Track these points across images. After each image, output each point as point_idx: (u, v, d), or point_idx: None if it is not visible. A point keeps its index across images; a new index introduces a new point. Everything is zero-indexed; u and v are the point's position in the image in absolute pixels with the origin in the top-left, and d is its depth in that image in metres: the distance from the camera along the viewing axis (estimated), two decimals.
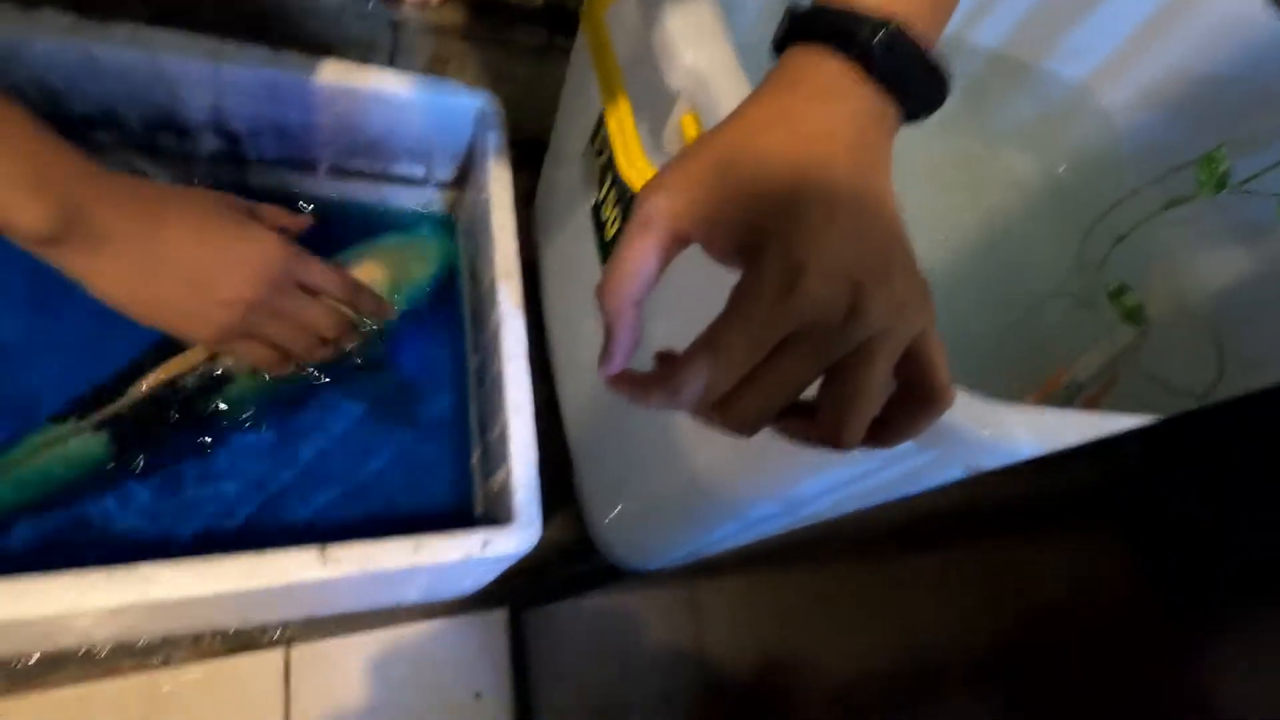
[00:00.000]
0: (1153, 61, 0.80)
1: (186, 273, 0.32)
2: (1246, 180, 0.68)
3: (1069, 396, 0.70)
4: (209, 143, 0.46)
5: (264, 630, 0.53)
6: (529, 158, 0.79)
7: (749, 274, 0.24)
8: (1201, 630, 0.12)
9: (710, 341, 0.24)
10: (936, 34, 0.28)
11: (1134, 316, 0.73)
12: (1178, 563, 0.13)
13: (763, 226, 0.24)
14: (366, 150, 0.50)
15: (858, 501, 0.44)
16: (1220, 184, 0.71)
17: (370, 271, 0.51)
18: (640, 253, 0.26)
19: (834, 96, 0.26)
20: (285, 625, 0.53)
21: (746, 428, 0.26)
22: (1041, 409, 0.32)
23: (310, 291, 0.37)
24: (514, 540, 0.36)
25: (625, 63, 0.44)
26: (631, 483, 0.57)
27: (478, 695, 0.57)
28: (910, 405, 0.26)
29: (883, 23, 0.25)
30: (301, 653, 0.53)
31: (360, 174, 0.52)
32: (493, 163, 0.47)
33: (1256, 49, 0.75)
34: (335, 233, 0.54)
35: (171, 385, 0.40)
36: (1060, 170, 0.84)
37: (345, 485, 0.48)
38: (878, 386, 0.24)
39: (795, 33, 0.27)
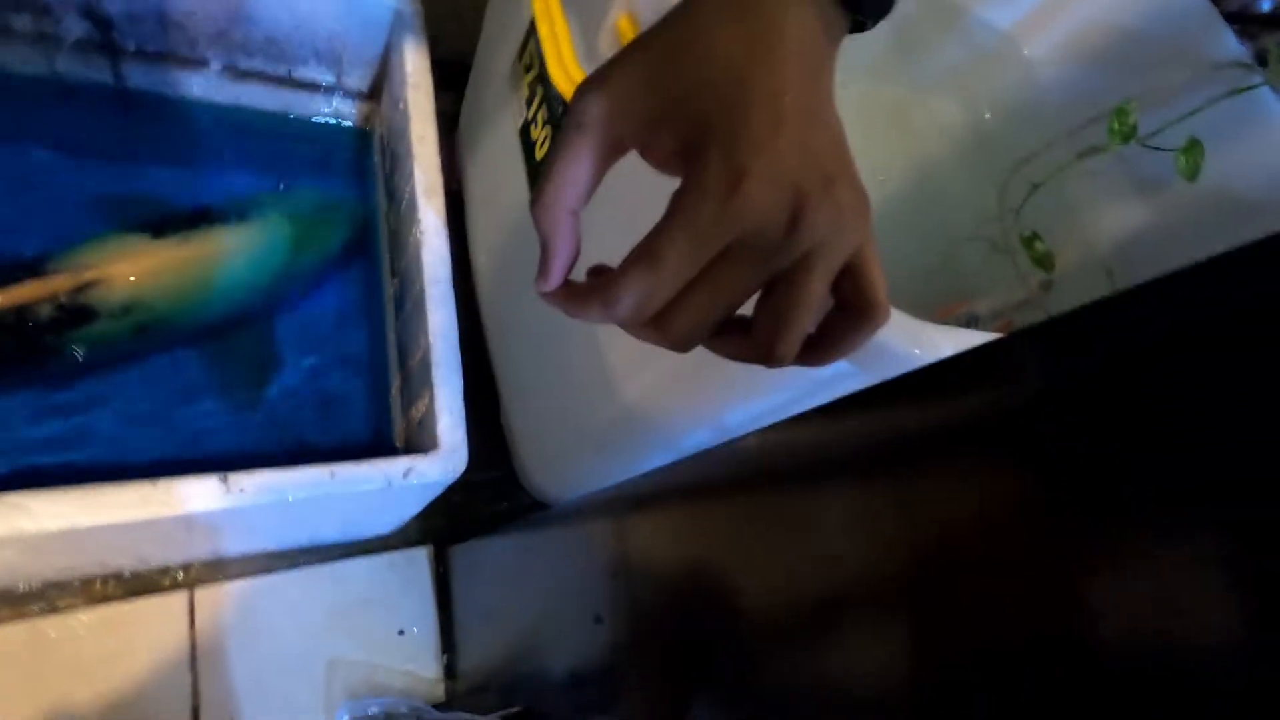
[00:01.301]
0: (1075, 12, 0.82)
1: None
2: (1152, 134, 0.72)
3: (960, 325, 0.73)
4: (74, 27, 0.40)
5: (165, 572, 0.50)
6: (452, 80, 0.74)
7: (689, 179, 0.23)
8: (1085, 549, 0.12)
9: (648, 251, 0.23)
10: None
11: (1044, 263, 0.76)
12: (1067, 488, 0.13)
13: (705, 130, 0.23)
14: (266, 48, 0.45)
15: None
16: (1128, 136, 0.74)
17: (265, 231, 0.46)
18: (575, 158, 0.24)
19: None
20: (188, 566, 0.50)
21: (682, 342, 0.25)
22: (974, 332, 0.32)
23: None
24: (438, 467, 0.35)
25: None
26: (561, 415, 0.56)
27: (401, 632, 0.56)
28: (845, 321, 0.25)
29: None
30: (207, 595, 0.50)
31: (259, 75, 0.47)
32: (411, 69, 0.43)
33: (1171, 3, 0.78)
34: (236, 144, 0.49)
35: (18, 311, 0.36)
36: (986, 117, 0.86)
37: (241, 429, 0.44)
38: (815, 300, 0.24)
39: None
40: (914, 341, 0.29)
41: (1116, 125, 0.76)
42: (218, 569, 0.51)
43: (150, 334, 0.41)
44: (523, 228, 0.56)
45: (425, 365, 0.38)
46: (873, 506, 0.21)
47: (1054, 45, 0.85)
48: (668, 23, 0.25)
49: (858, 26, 0.27)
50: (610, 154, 0.25)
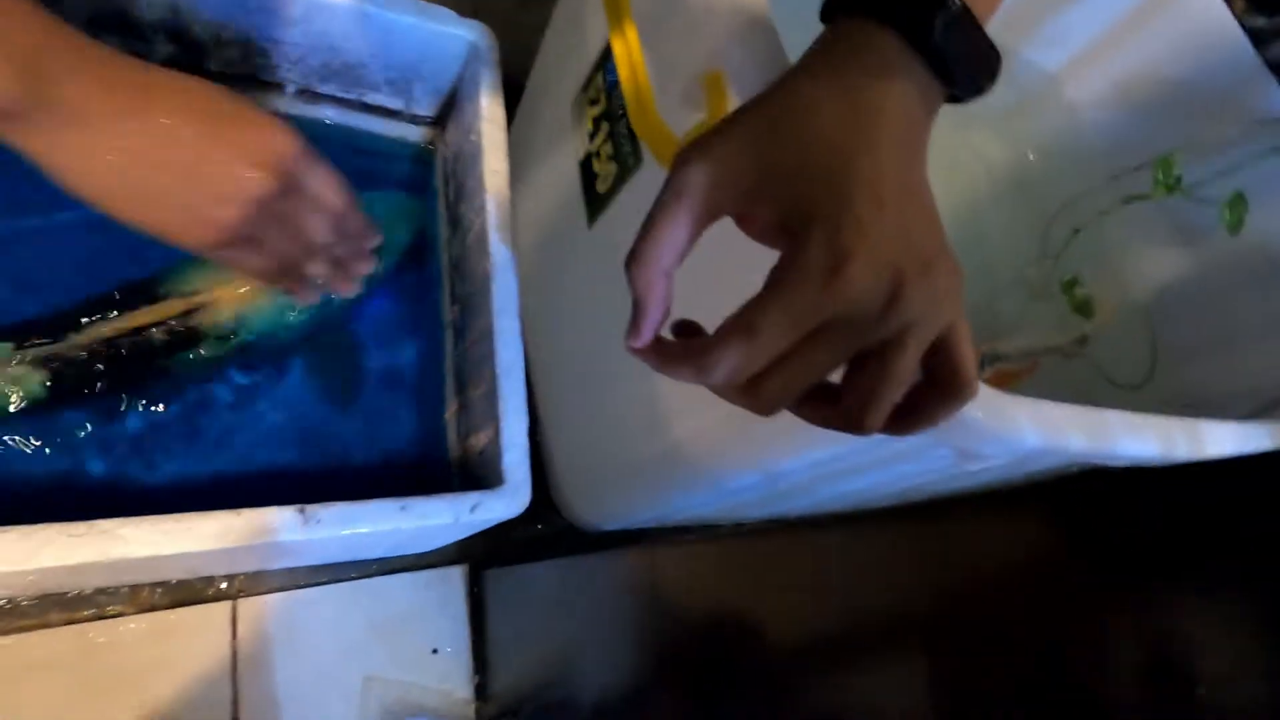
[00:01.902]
0: (1123, 58, 0.82)
1: (180, 161, 0.27)
2: (1196, 185, 0.72)
3: (983, 362, 0.73)
4: (163, 48, 0.41)
5: (210, 581, 0.50)
6: (507, 97, 0.75)
7: (790, 256, 0.23)
8: (1109, 597, 0.13)
9: (747, 323, 0.24)
10: (989, 14, 0.27)
11: (1083, 310, 0.76)
12: (1092, 541, 0.14)
13: (807, 208, 0.23)
14: (342, 73, 0.46)
15: (838, 474, 0.45)
16: (1171, 187, 0.74)
17: None
18: (673, 223, 0.25)
19: (886, 74, 0.25)
20: (232, 577, 0.51)
21: (769, 408, 0.26)
22: (1040, 401, 0.32)
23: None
24: (503, 504, 0.35)
25: (640, 5, 0.41)
26: (603, 445, 0.56)
27: (435, 651, 0.56)
28: (933, 395, 0.26)
29: (944, 0, 0.24)
30: (250, 606, 0.51)
31: (331, 99, 0.48)
32: (486, 101, 0.44)
33: (1218, 56, 0.78)
34: None
35: (135, 334, 0.36)
36: (1030, 158, 0.86)
37: (299, 437, 0.45)
38: (906, 375, 0.24)
39: (849, 2, 0.26)
40: (988, 414, 0.29)
41: (1161, 176, 0.77)
42: (261, 581, 0.52)
43: (249, 352, 0.42)
44: (575, 256, 0.56)
45: (490, 399, 0.38)
46: (902, 551, 0.21)
47: (1099, 90, 0.85)
48: (772, 96, 0.25)
49: (954, 99, 0.27)
50: (707, 220, 0.25)
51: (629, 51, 0.40)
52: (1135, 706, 0.12)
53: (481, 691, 0.57)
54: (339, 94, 0.48)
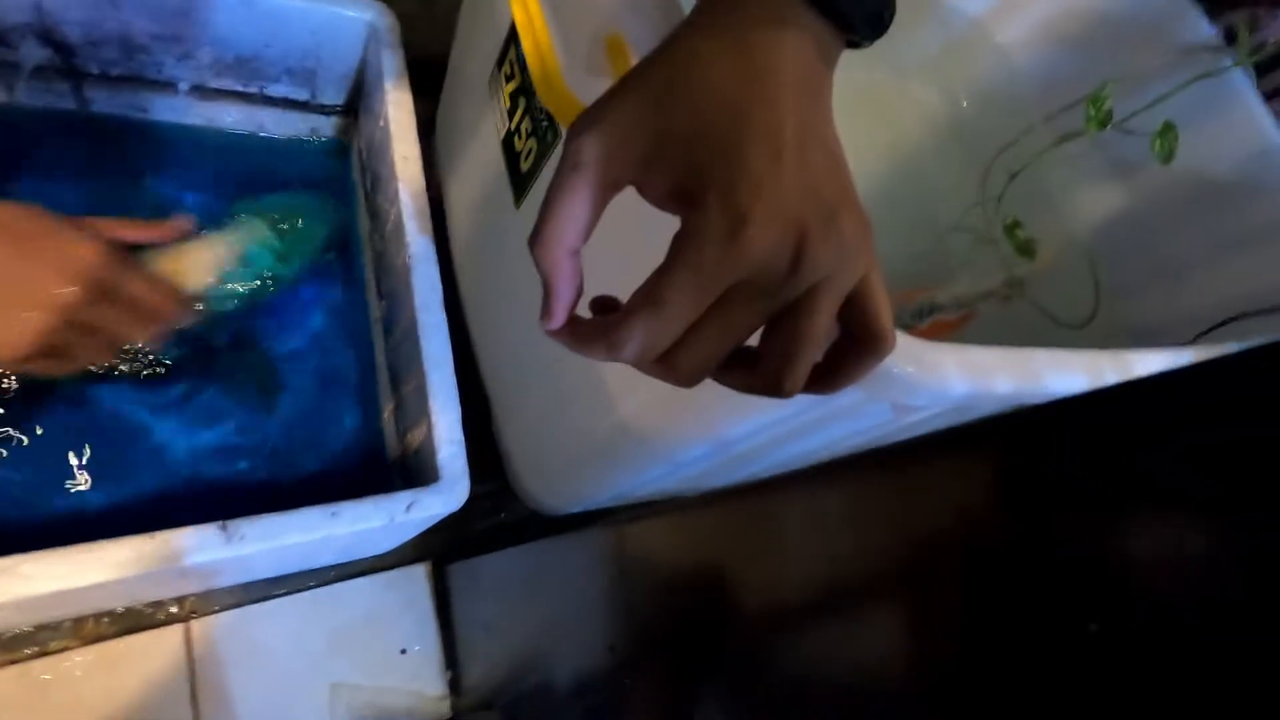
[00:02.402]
0: (1040, 2, 0.82)
1: None
2: (1128, 119, 0.72)
3: (919, 313, 0.73)
4: (34, 53, 0.39)
5: (159, 606, 0.49)
6: (427, 82, 0.72)
7: (689, 222, 0.22)
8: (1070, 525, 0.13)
9: (651, 295, 0.23)
10: None
11: (1026, 250, 0.77)
12: (1047, 472, 0.14)
13: (702, 171, 0.22)
14: (236, 67, 0.44)
15: (785, 437, 0.44)
16: (1104, 122, 0.74)
17: (250, 235, 0.45)
18: (572, 199, 0.24)
19: (776, 24, 0.24)
20: (182, 600, 0.49)
21: (689, 379, 0.25)
22: (965, 347, 0.32)
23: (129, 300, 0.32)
24: (440, 500, 0.34)
25: None
26: (557, 429, 0.55)
27: (403, 651, 0.55)
28: (852, 350, 0.25)
29: None
30: (204, 626, 0.49)
31: (230, 94, 0.46)
32: (390, 86, 0.42)
33: None
34: (208, 162, 0.47)
35: None
36: (963, 105, 0.86)
37: (227, 451, 0.43)
38: (821, 332, 0.23)
39: None
40: (915, 363, 0.29)
41: (1093, 111, 0.77)
42: (213, 600, 0.50)
43: (160, 368, 0.40)
44: (507, 239, 0.55)
45: (421, 394, 0.37)
46: (867, 503, 0.21)
47: (1026, 30, 0.85)
48: (661, 56, 0.24)
49: (852, 44, 0.27)
50: (607, 192, 0.24)
51: (530, 19, 0.38)
52: (1107, 627, 0.12)
53: (455, 686, 0.57)
54: (237, 88, 0.45)
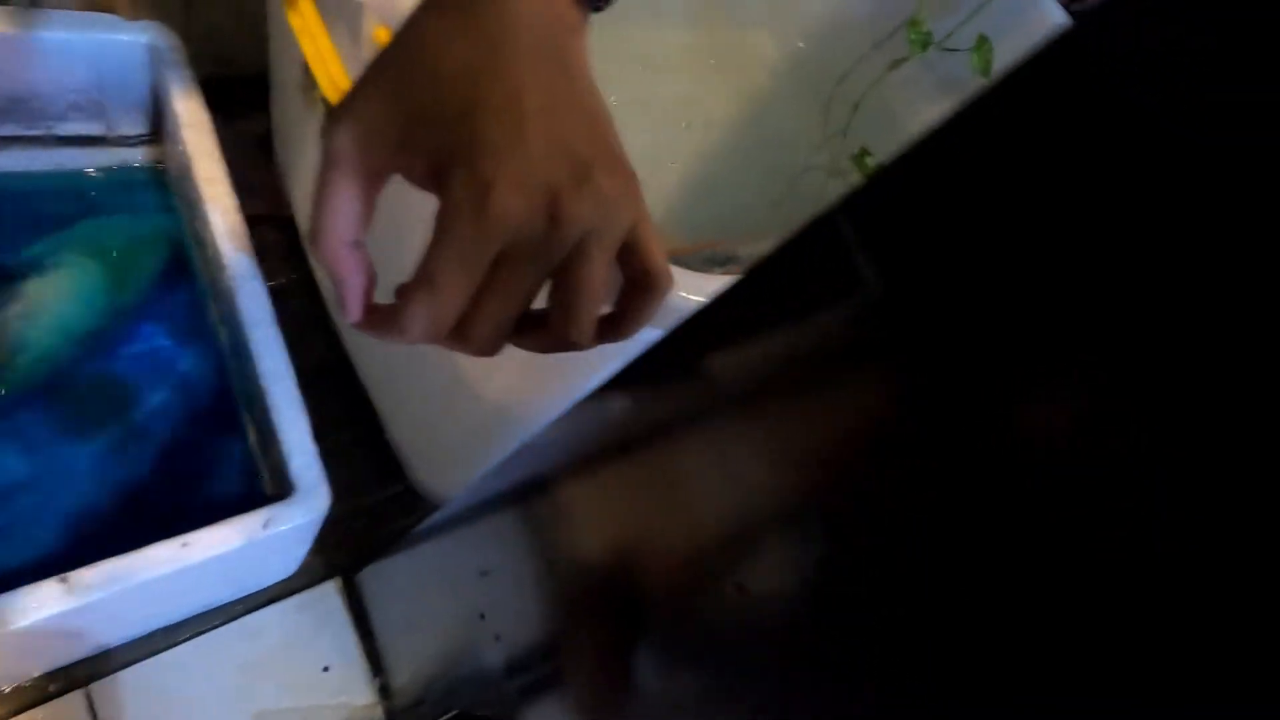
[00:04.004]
0: None
1: None
2: (945, 38, 0.77)
3: (714, 261, 0.72)
4: None
5: (50, 678, 0.47)
6: (255, 95, 0.70)
7: (443, 199, 0.23)
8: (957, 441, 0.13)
9: (424, 275, 0.24)
10: None
11: None
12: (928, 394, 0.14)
13: (448, 148, 0.23)
14: (12, 111, 0.41)
15: None
16: (925, 43, 0.78)
17: (73, 274, 0.44)
18: (336, 195, 0.25)
19: None
20: (73, 666, 0.48)
21: (486, 348, 0.26)
22: (717, 277, 0.34)
23: None
24: (299, 510, 0.34)
25: None
26: (438, 421, 0.56)
27: (326, 669, 0.55)
28: (634, 295, 0.27)
29: None
30: (106, 689, 0.48)
31: (17, 140, 0.43)
32: (181, 109, 0.41)
33: None
34: (14, 210, 0.45)
35: None
36: (800, 45, 0.88)
37: (91, 502, 0.42)
38: (598, 284, 0.25)
39: None
40: (700, 294, 0.31)
41: (914, 35, 0.80)
42: (111, 659, 0.49)
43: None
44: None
45: (266, 410, 0.37)
46: (768, 436, 0.21)
47: None
48: (396, 41, 0.25)
49: (595, 8, 0.28)
50: (371, 183, 0.25)
51: (306, 24, 0.38)
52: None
53: (385, 691, 0.57)
54: (22, 133, 0.43)
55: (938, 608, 0.14)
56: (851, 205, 0.16)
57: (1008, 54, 0.77)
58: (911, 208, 0.15)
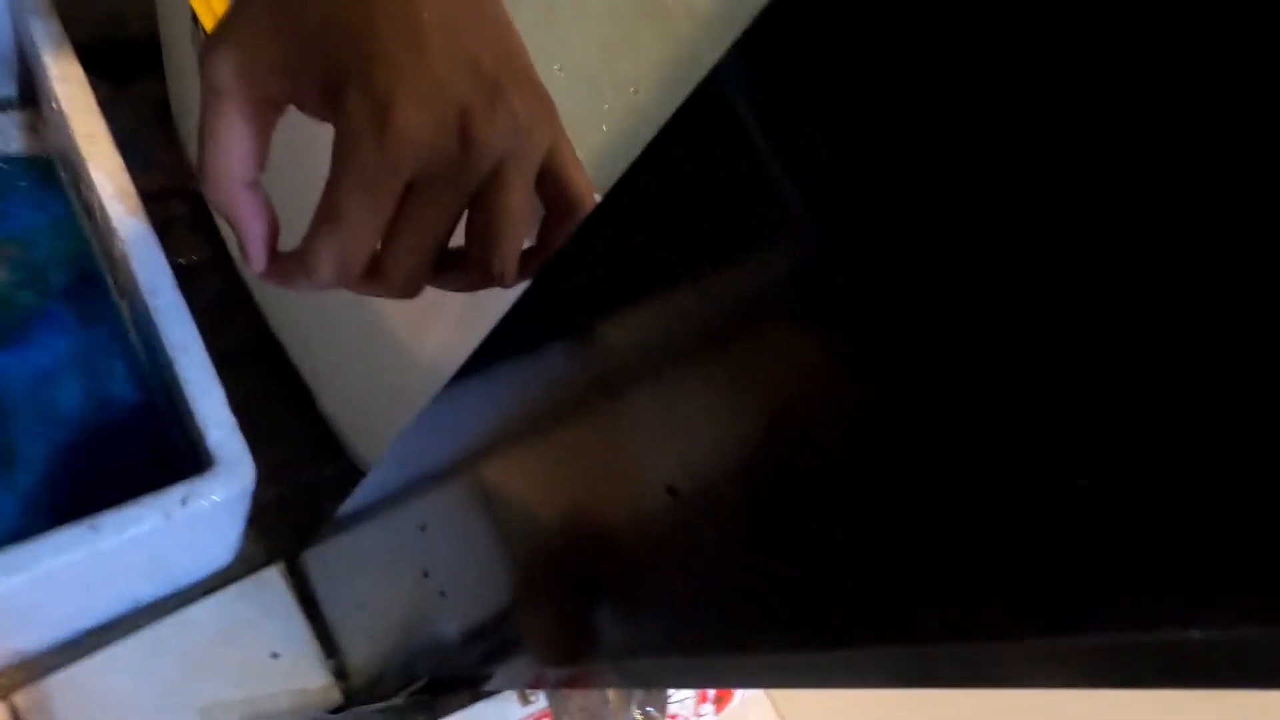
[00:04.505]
0: None
1: None
2: None
3: None
4: None
5: None
6: (148, 59, 0.65)
7: (340, 125, 0.21)
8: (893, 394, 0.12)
9: (326, 209, 0.22)
10: None
11: None
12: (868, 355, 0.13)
13: (341, 68, 0.21)
14: None
15: None
16: None
17: None
18: (224, 127, 0.22)
19: None
20: None
21: (405, 288, 0.25)
22: None
23: None
24: (219, 484, 0.32)
25: None
26: (371, 390, 0.53)
27: (275, 655, 0.53)
28: (558, 223, 0.26)
29: None
30: (33, 697, 0.45)
31: None
32: (49, 59, 0.37)
33: None
34: None
35: None
36: None
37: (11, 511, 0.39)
38: (518, 211, 0.23)
39: None
40: None
41: None
42: (35, 666, 0.46)
43: None
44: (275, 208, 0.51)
45: (177, 383, 0.35)
46: (708, 398, 0.20)
47: None
48: None
49: None
50: (262, 111, 0.23)
51: None
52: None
53: (341, 672, 0.56)
54: None
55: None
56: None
57: None
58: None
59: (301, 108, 0.23)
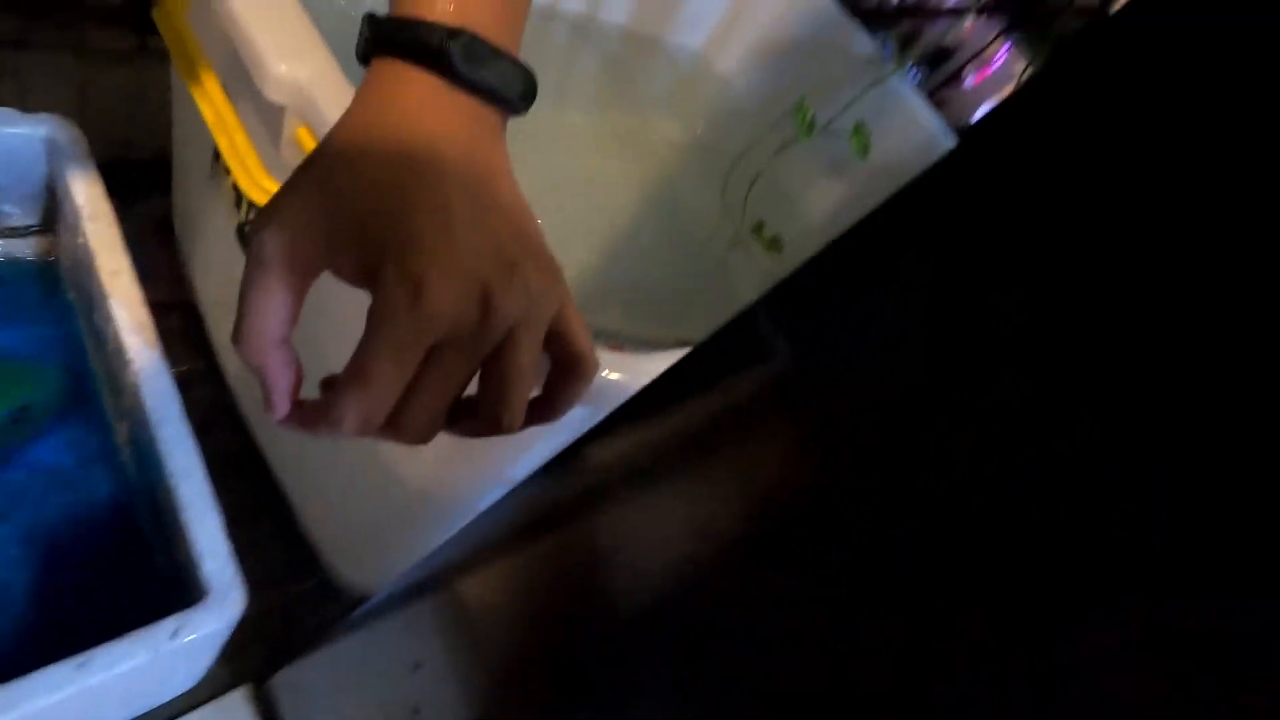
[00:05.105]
0: (746, 29, 0.94)
1: None
2: (829, 123, 0.85)
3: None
4: None
5: None
6: (158, 180, 0.68)
7: (376, 296, 0.24)
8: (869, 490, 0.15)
9: (356, 369, 0.24)
10: (510, 34, 0.29)
11: (774, 246, 0.86)
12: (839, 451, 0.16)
13: (378, 248, 0.24)
14: None
15: None
16: (810, 128, 0.86)
17: None
18: (264, 296, 0.25)
19: (430, 107, 0.27)
20: None
21: (419, 438, 0.27)
22: (669, 354, 0.37)
23: None
24: (212, 616, 0.33)
25: (223, 70, 0.40)
26: (354, 509, 0.54)
27: None
28: (562, 378, 0.28)
29: (455, 30, 0.26)
30: None
31: None
32: (83, 199, 0.40)
33: (814, 13, 0.91)
34: None
35: None
36: (699, 131, 0.95)
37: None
38: (526, 369, 0.26)
39: (377, 43, 0.27)
40: (623, 373, 0.33)
41: (799, 120, 0.88)
42: None
43: None
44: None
45: (174, 510, 0.35)
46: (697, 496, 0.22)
47: (739, 59, 0.97)
48: (324, 147, 0.26)
49: (513, 112, 0.30)
50: (301, 281, 0.26)
51: (220, 116, 0.38)
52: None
53: None
54: None
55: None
56: (771, 299, 0.18)
57: (883, 139, 0.85)
58: (823, 299, 0.17)
59: (338, 276, 0.26)
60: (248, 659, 0.55)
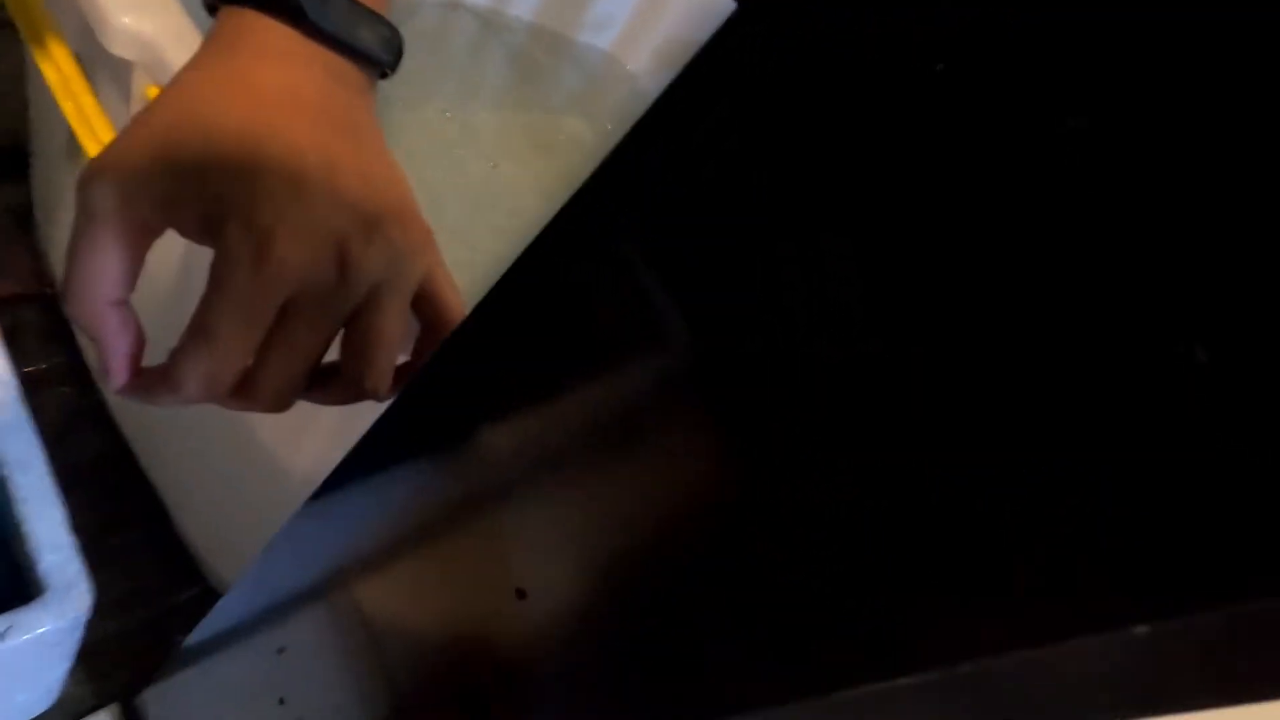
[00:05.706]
0: (655, 30, 0.96)
1: None
2: None
3: None
4: None
5: None
6: (13, 167, 0.63)
7: (219, 250, 0.23)
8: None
9: (198, 327, 0.23)
10: None
11: None
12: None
13: (223, 202, 0.23)
14: None
15: None
16: None
17: None
18: (96, 253, 0.23)
19: (283, 57, 0.26)
20: None
21: (276, 403, 0.25)
22: None
23: None
24: (49, 614, 0.30)
25: (75, 37, 0.37)
26: (236, 508, 0.51)
27: None
28: (432, 342, 0.27)
29: None
30: None
31: None
32: None
33: (719, 18, 0.94)
34: None
35: None
36: (609, 129, 0.96)
37: None
38: (390, 331, 0.25)
39: None
40: None
41: None
42: None
43: None
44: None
45: (10, 503, 0.32)
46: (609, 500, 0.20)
47: (648, 58, 0.98)
48: (167, 96, 0.25)
49: (382, 74, 0.29)
50: (138, 238, 0.24)
51: (65, 80, 0.36)
52: None
53: None
54: None
55: None
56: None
57: None
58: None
59: (180, 232, 0.24)
60: (113, 679, 0.51)
